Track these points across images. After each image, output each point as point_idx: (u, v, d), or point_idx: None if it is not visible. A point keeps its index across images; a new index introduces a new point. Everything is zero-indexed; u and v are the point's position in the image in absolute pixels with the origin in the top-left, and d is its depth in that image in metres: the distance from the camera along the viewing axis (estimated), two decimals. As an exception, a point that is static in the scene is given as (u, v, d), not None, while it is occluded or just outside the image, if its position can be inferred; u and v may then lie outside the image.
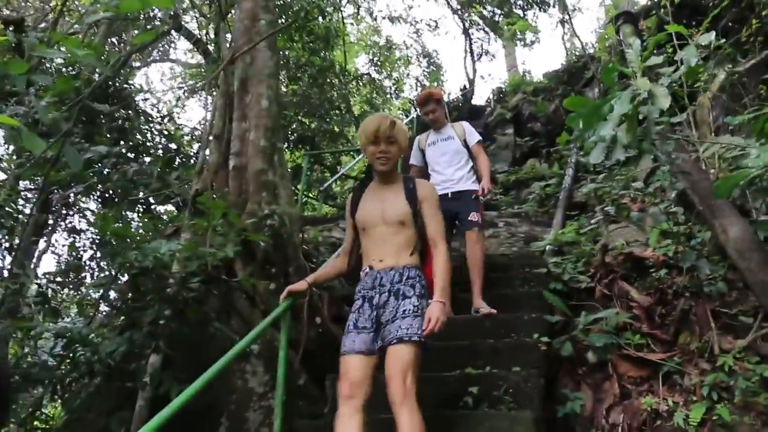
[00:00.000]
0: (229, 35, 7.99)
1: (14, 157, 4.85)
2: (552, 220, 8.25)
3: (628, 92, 3.59)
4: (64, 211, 9.21)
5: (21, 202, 5.92)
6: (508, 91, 17.20)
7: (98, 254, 9.30)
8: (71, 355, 4.62)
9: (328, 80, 16.32)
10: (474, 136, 6.06)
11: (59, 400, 5.08)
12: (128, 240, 4.92)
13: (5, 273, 5.65)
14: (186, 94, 16.09)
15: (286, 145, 13.58)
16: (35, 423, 5.04)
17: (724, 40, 6.99)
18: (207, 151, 6.33)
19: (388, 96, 22.02)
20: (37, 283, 5.53)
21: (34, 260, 10.12)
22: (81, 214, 9.67)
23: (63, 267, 10.21)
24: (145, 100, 9.45)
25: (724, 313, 4.81)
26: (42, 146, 3.50)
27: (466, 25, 22.65)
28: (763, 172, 4.07)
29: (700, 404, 4.24)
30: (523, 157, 13.00)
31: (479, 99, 21.38)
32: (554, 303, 5.25)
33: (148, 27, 13.00)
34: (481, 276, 5.51)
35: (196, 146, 12.03)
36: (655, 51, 4.21)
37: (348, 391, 3.20)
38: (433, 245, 3.55)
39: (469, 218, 5.65)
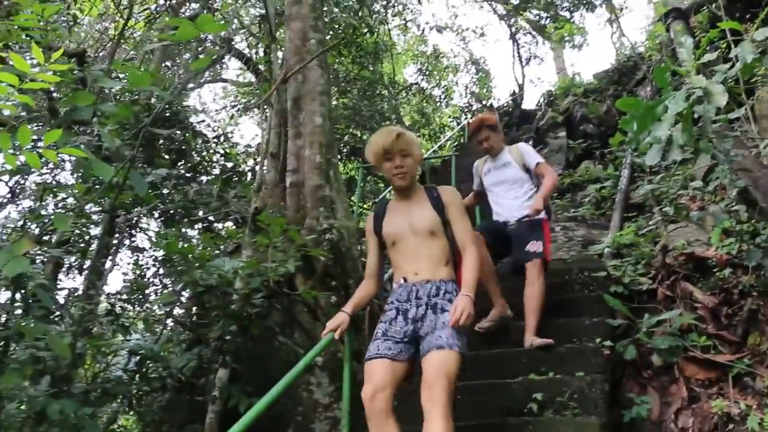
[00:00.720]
0: (280, 53, 8.16)
1: (81, 183, 5.05)
2: (609, 223, 8.14)
3: (683, 91, 3.56)
4: (128, 232, 9.50)
5: (88, 225, 6.17)
6: (558, 94, 17.01)
7: (161, 271, 9.56)
8: (144, 370, 4.80)
9: (378, 92, 16.47)
10: (533, 157, 5.48)
11: (133, 414, 5.26)
12: (192, 259, 5.07)
13: (79, 293, 5.89)
14: (239, 112, 16.43)
15: (338, 158, 13.73)
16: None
17: (780, 33, 6.81)
18: (264, 169, 6.48)
19: (438, 104, 22.05)
20: (108, 302, 5.74)
21: (103, 280, 10.48)
22: (144, 233, 9.98)
23: (128, 285, 10.53)
24: (201, 121, 9.69)
25: (795, 313, 4.68)
26: (110, 173, 3.67)
27: (513, 30, 22.61)
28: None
29: (775, 408, 4.14)
30: (576, 160, 12.83)
31: (529, 103, 21.18)
32: (615, 306, 5.17)
33: (200, 49, 13.36)
34: (536, 314, 4.87)
35: (251, 162, 12.30)
36: (708, 48, 4.15)
37: (371, 394, 3.16)
38: (462, 249, 3.50)
39: (527, 248, 5.07)
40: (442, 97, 22.50)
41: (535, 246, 5.04)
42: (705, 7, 9.64)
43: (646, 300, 5.54)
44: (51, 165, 5.90)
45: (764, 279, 4.81)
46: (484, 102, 22.11)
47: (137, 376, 4.92)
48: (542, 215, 5.16)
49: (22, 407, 3.88)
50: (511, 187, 5.45)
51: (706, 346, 4.71)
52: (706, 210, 5.97)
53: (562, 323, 5.07)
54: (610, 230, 7.62)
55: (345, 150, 15.35)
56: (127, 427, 6.48)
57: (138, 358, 4.77)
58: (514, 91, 21.55)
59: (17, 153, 3.00)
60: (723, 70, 3.67)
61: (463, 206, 3.64)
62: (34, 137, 3.35)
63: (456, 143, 17.84)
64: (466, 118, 20.81)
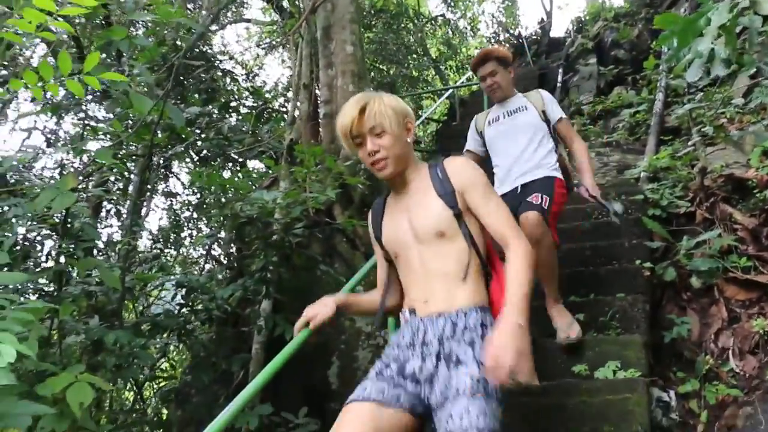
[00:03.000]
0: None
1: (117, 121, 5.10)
2: (644, 147, 8.04)
3: (726, 1, 3.45)
4: (162, 176, 9.63)
5: (126, 165, 6.25)
6: (587, 20, 16.59)
7: (194, 215, 9.71)
8: (190, 303, 4.93)
9: (403, 25, 16.22)
10: (557, 110, 4.32)
11: (183, 345, 5.43)
12: (230, 193, 5.13)
13: (120, 234, 6.03)
14: (265, 51, 16.33)
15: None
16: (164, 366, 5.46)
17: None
18: (297, 102, 6.48)
19: (464, 35, 21.69)
20: (151, 239, 5.88)
21: (141, 222, 10.68)
22: (176, 179, 10.11)
23: (164, 229, 10.73)
24: (231, 58, 9.65)
25: (837, 230, 4.63)
26: (149, 106, 3.69)
27: (540, -45, 21.92)
28: None
29: (815, 324, 4.13)
30: (608, 86, 12.61)
31: (558, 31, 20.87)
32: (654, 229, 5.16)
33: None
34: (553, 278, 3.99)
35: (281, 100, 12.28)
36: (752, -42, 4.00)
37: None
38: (504, 245, 2.33)
39: (528, 198, 3.86)
40: (468, 27, 22.12)
41: (536, 197, 3.85)
42: None
43: (684, 223, 5.50)
44: (85, 105, 5.95)
45: (807, 198, 4.74)
46: (511, 31, 21.69)
47: (185, 308, 5.06)
48: (555, 172, 4.11)
49: (79, 339, 4.04)
50: (525, 136, 4.21)
51: (746, 267, 4.66)
52: (746, 130, 5.85)
53: (601, 246, 5.08)
54: (645, 154, 7.53)
55: (373, 85, 15.25)
56: (175, 360, 6.71)
57: (184, 291, 4.90)
58: (542, 19, 21.08)
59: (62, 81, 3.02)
60: (770, -22, 3.54)
61: (486, 182, 2.44)
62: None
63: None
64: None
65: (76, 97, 3.58)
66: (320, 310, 2.55)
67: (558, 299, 4.05)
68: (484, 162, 4.39)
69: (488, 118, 4.44)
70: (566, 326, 3.92)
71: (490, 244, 2.50)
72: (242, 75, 10.00)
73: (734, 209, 5.25)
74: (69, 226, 3.84)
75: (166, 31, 7.69)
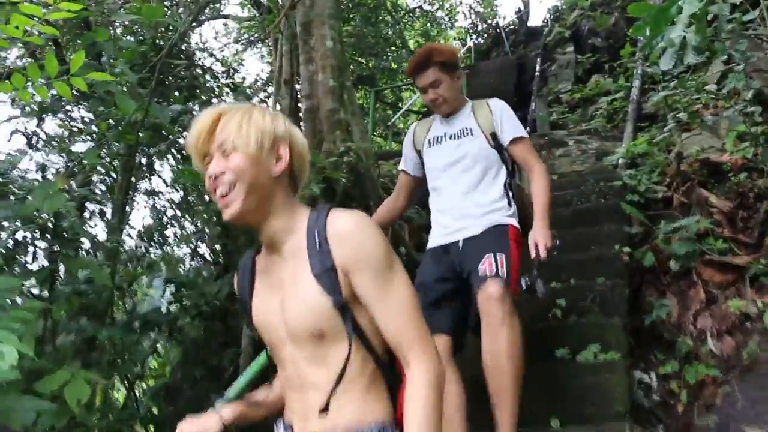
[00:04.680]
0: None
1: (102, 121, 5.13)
2: (622, 134, 8.17)
3: (697, -9, 3.54)
4: (145, 175, 9.62)
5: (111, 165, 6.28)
6: (564, 9, 16.75)
7: (178, 213, 9.72)
8: (180, 299, 4.98)
9: (381, 17, 16.26)
10: (511, 127, 3.30)
11: (173, 342, 5.49)
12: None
13: (105, 233, 6.06)
14: (244, 46, 16.32)
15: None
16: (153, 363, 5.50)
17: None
18: (278, 97, 6.52)
19: (443, 27, 21.77)
20: (137, 238, 5.92)
21: (125, 221, 10.65)
22: (159, 177, 10.08)
23: (148, 227, 10.72)
24: (211, 55, 9.66)
25: (810, 210, 4.75)
26: (133, 105, 3.74)
27: (516, -56, 22.05)
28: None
29: (791, 303, 4.25)
30: (586, 74, 12.78)
31: (536, 20, 20.98)
32: (632, 214, 5.26)
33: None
34: (510, 409, 2.83)
35: (262, 95, 12.28)
36: (722, -53, 4.09)
37: None
38: (402, 360, 1.55)
39: (481, 266, 2.97)
40: (447, 18, 22.19)
41: (491, 263, 2.96)
42: None
43: (662, 207, 5.62)
44: (68, 107, 5.97)
45: (780, 180, 4.87)
46: (489, 21, 21.81)
47: (174, 304, 5.12)
48: (508, 219, 3.20)
49: (70, 338, 4.08)
50: (469, 172, 3.27)
51: (723, 250, 4.77)
52: (720, 115, 5.97)
53: (580, 232, 5.19)
54: (623, 141, 7.66)
55: (352, 78, 15.30)
56: (164, 356, 6.76)
57: (173, 287, 4.95)
58: (519, 9, 21.27)
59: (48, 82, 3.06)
60: (737, -32, 3.65)
61: (385, 255, 1.55)
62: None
63: (463, 64, 17.70)
64: (472, 39, 20.56)
65: (61, 98, 3.60)
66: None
67: None
68: (420, 186, 3.61)
69: (429, 136, 3.48)
70: None
71: None
72: (222, 71, 9.99)
73: (710, 193, 5.37)
74: (58, 226, 3.87)
75: (146, 30, 7.70)
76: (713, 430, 3.67)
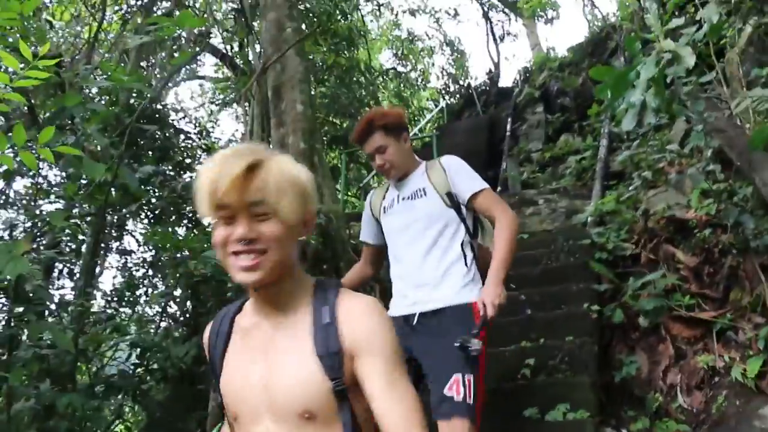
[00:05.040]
0: (256, 46, 8.21)
1: (71, 183, 5.11)
2: (590, 192, 8.29)
3: (653, 56, 3.67)
4: (115, 234, 9.55)
5: (80, 227, 6.23)
6: (534, 70, 17.16)
7: (150, 273, 9.63)
8: (146, 362, 4.89)
9: (355, 79, 16.53)
10: (468, 182, 3.14)
11: (138, 406, 5.37)
12: (186, 252, 5.14)
13: (72, 295, 5.98)
14: (218, 107, 16.46)
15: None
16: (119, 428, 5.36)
17: (746, -6, 6.93)
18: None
19: (416, 88, 22.17)
20: (106, 299, 5.84)
21: (94, 281, 10.52)
22: (131, 236, 10.02)
23: (119, 287, 10.60)
24: (183, 117, 9.73)
25: (773, 266, 4.82)
26: (101, 171, 3.74)
27: (485, 9, 22.74)
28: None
29: (757, 358, 4.21)
30: (555, 134, 12.99)
31: (506, 81, 21.50)
32: (601, 272, 5.31)
33: (176, 48, 13.35)
34: None
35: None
36: (676, 13, 4.27)
37: None
38: None
39: (447, 388, 2.74)
40: (420, 80, 22.66)
41: (458, 388, 2.73)
42: (673, -26, 9.75)
43: (630, 264, 5.67)
44: (40, 166, 5.95)
45: (743, 236, 4.93)
46: (461, 82, 22.27)
47: (140, 368, 5.02)
48: (470, 294, 2.98)
49: (29, 404, 3.97)
50: (424, 235, 3.10)
51: (690, 305, 4.82)
52: (684, 173, 6.09)
53: (550, 291, 5.21)
54: (592, 199, 7.77)
55: (326, 138, 15.44)
56: (131, 422, 6.59)
57: (139, 350, 4.87)
58: (490, 70, 21.75)
59: (15, 152, 3.06)
60: (689, 33, 3.78)
61: (396, 347, 1.50)
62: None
63: (436, 124, 17.99)
64: (444, 99, 20.94)
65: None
66: None
67: None
68: (382, 256, 3.48)
69: (384, 202, 3.34)
70: None
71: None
72: (195, 131, 10.06)
73: (677, 249, 5.43)
74: (20, 289, 3.82)
75: (120, 92, 7.76)
76: (685, 485, 3.64)
